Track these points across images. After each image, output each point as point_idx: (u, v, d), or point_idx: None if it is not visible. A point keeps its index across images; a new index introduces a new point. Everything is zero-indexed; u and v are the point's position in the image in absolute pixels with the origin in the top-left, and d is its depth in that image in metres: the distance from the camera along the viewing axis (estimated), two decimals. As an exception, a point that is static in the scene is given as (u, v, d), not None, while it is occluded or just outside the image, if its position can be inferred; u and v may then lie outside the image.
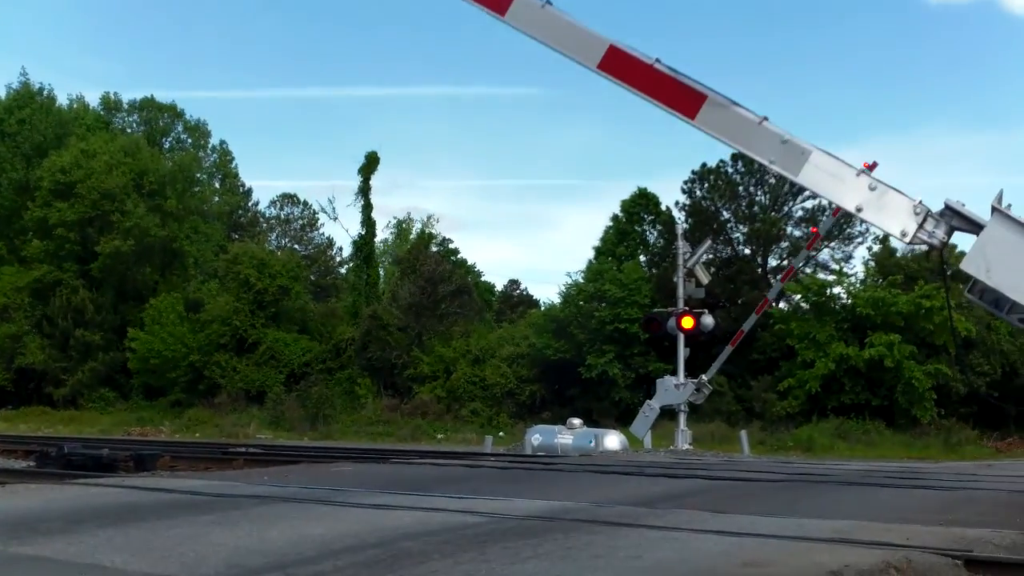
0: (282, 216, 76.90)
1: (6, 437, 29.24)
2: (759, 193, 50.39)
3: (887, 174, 9.56)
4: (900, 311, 41.48)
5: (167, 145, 71.25)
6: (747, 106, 10.05)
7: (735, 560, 5.56)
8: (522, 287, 71.69)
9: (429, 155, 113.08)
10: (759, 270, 49.31)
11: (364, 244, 57.71)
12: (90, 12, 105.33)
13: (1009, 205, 9.22)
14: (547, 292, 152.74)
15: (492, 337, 53.13)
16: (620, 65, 10.40)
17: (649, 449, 26.90)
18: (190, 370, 54.02)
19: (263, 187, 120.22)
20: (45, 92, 68.65)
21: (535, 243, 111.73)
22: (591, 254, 53.52)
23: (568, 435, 26.97)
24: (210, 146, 72.96)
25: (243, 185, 74.81)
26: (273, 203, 76.80)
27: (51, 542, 5.93)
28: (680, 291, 29.92)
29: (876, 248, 49.44)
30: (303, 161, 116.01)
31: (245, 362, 53.67)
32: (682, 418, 28.16)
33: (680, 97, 10.22)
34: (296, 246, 73.82)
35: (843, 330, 43.42)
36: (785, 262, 50.78)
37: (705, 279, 30.86)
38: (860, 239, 50.07)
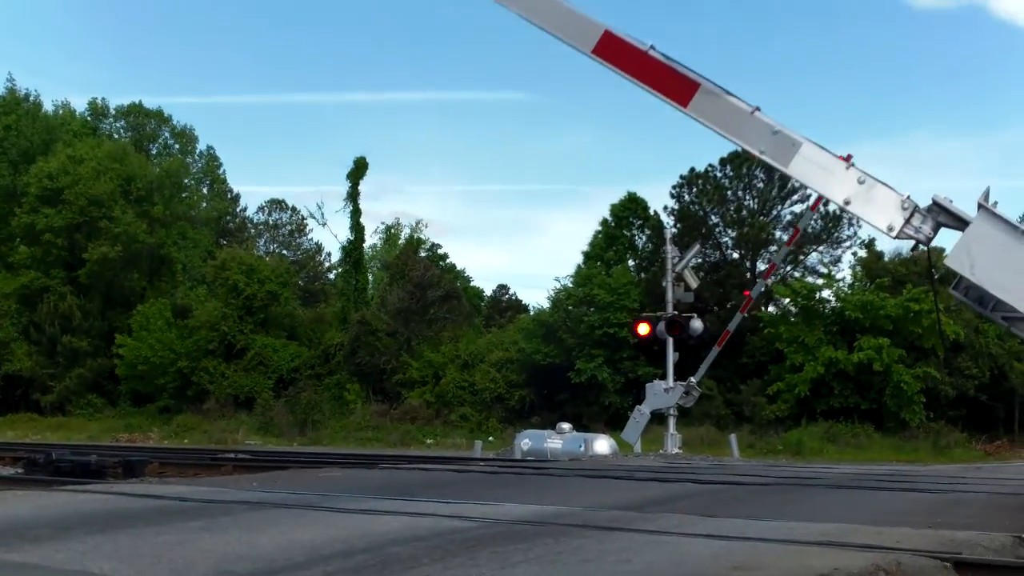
0: (270, 222, 76.90)
1: (-7, 444, 29.08)
2: (747, 198, 50.55)
3: (875, 178, 9.61)
4: (888, 314, 41.60)
5: (154, 151, 71.05)
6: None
7: (725, 564, 5.56)
8: (511, 292, 71.72)
9: (417, 160, 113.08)
10: (748, 274, 49.41)
11: (353, 249, 57.64)
12: (76, 18, 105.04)
13: (995, 203, 9.27)
14: (536, 297, 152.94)
15: (481, 342, 53.13)
16: (614, 51, 10.43)
17: (639, 453, 26.92)
18: (178, 376, 53.88)
19: (251, 193, 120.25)
20: (31, 98, 68.46)
21: (523, 248, 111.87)
22: (580, 259, 53.65)
23: (558, 440, 26.95)
24: (197, 152, 72.84)
25: (231, 191, 74.78)
26: (261, 209, 76.86)
27: (39, 549, 5.90)
28: (669, 295, 29.96)
29: (862, 253, 49.70)
30: (291, 167, 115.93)
31: (233, 368, 53.54)
32: (671, 422, 28.19)
33: (673, 85, 10.24)
34: (284, 252, 73.78)
35: (832, 333, 43.52)
36: (773, 265, 50.97)
37: (694, 283, 30.92)
38: (848, 243, 50.31)
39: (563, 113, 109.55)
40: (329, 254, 74.44)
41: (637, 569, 5.41)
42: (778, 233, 50.48)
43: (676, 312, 29.47)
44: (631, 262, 52.56)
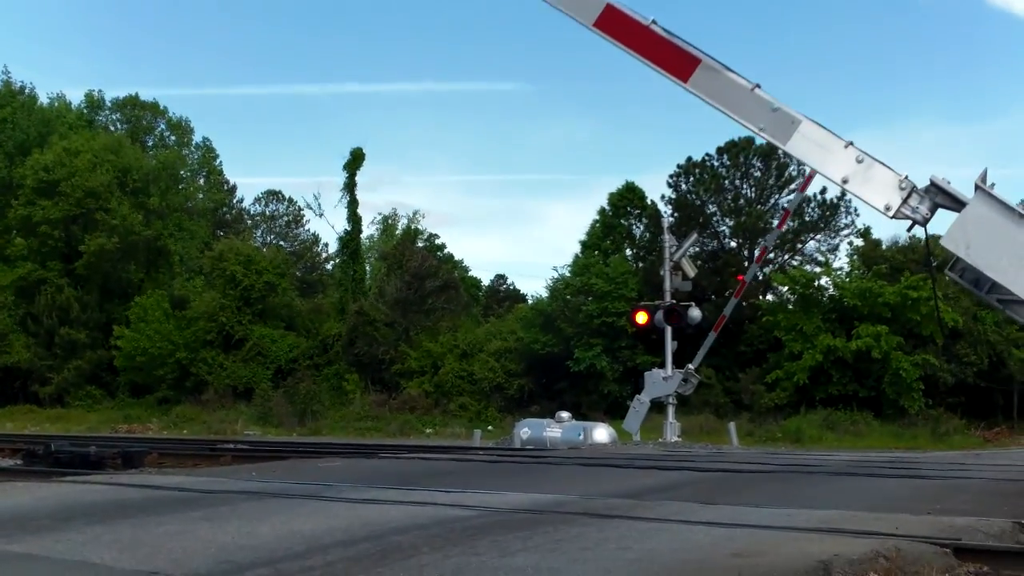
0: (267, 213, 76.77)
1: (-8, 436, 29.07)
2: (745, 186, 50.50)
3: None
4: (887, 302, 41.58)
5: (150, 143, 70.93)
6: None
7: (725, 551, 5.57)
8: (509, 282, 71.76)
9: (414, 151, 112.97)
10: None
11: (350, 240, 57.56)
12: (71, 10, 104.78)
13: (992, 184, 9.28)
14: (534, 286, 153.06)
15: (479, 332, 53.14)
16: (616, 24, 10.42)
17: (638, 442, 26.96)
18: (177, 367, 53.85)
19: (248, 184, 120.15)
20: (27, 91, 68.29)
21: (521, 238, 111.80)
22: (577, 248, 53.55)
23: (557, 428, 26.97)
24: (194, 143, 72.69)
25: (227, 182, 74.59)
26: (258, 200, 76.68)
27: (39, 540, 5.90)
28: (667, 284, 29.98)
29: (858, 242, 49.69)
30: (288, 158, 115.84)
31: (232, 359, 53.52)
32: (670, 410, 28.22)
33: (674, 60, 10.23)
34: (282, 243, 73.69)
35: (830, 321, 43.50)
36: (772, 255, 50.94)
37: (691, 272, 30.93)
38: (846, 231, 50.29)
39: (560, 103, 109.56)
40: (326, 245, 74.40)
41: (636, 556, 5.42)
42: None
43: (674, 301, 29.48)
44: (629, 251, 52.53)
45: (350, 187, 56.88)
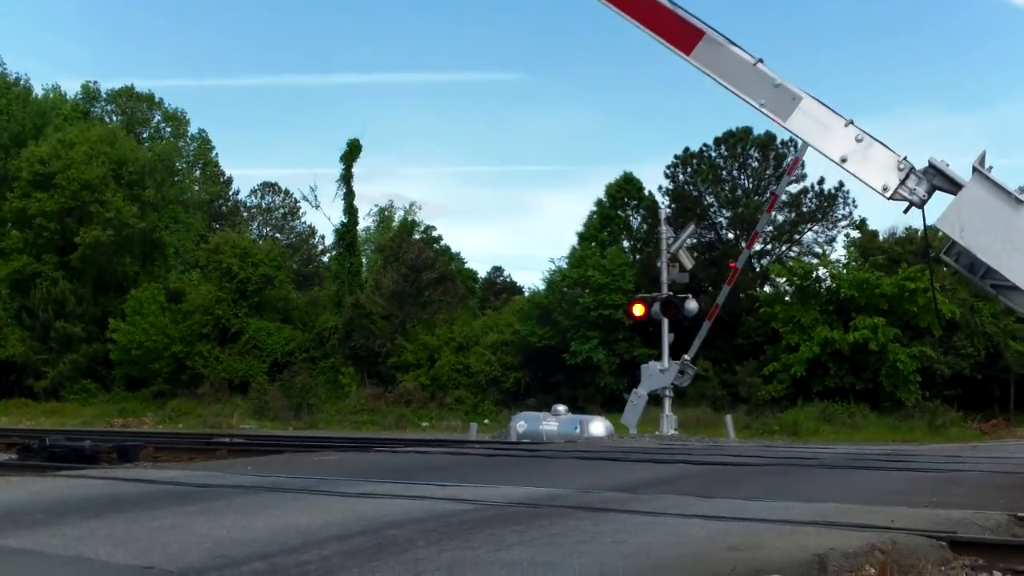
0: (263, 205, 76.68)
1: (-12, 430, 29.03)
2: (742, 177, 50.47)
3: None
4: (884, 293, 41.58)
5: (145, 135, 70.78)
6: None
7: (721, 544, 5.56)
8: (505, 274, 71.73)
9: (411, 142, 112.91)
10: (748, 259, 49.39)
11: (346, 232, 57.49)
12: (65, 2, 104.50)
13: (990, 167, 9.26)
14: (531, 279, 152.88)
15: (476, 324, 53.11)
16: None
17: (635, 435, 26.95)
18: (172, 361, 53.79)
19: (244, 176, 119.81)
20: (22, 82, 68.12)
21: (518, 229, 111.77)
22: (574, 240, 53.51)
23: (553, 422, 26.98)
24: (189, 135, 72.61)
25: (223, 174, 74.51)
26: (254, 192, 76.62)
27: (34, 534, 5.88)
28: (664, 276, 29.96)
29: (855, 234, 49.66)
30: (284, 149, 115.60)
31: (228, 352, 53.49)
32: (667, 403, 28.23)
33: (678, 30, 10.19)
34: (278, 235, 73.60)
35: (827, 313, 43.50)
36: (769, 246, 50.98)
37: (689, 264, 30.90)
38: (844, 222, 50.28)
39: (558, 93, 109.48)
40: (323, 237, 74.37)
41: (632, 550, 5.41)
42: (773, 213, 50.41)
43: (671, 293, 29.46)
44: (626, 243, 52.50)
45: (346, 179, 56.80)
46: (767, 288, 49.15)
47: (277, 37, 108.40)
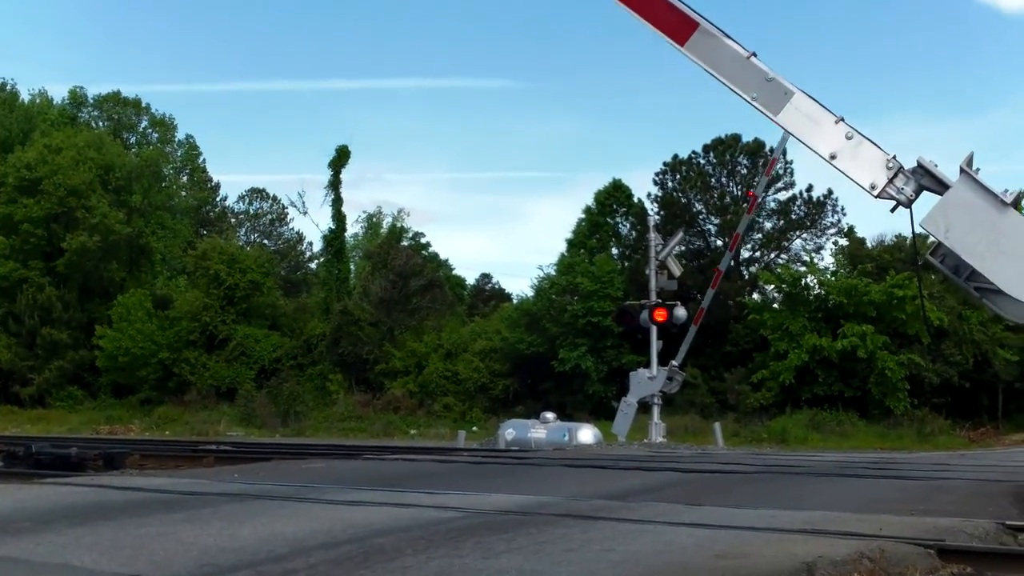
0: (251, 211, 76.49)
1: (-27, 437, 28.87)
2: (731, 184, 50.62)
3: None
4: (872, 300, 41.73)
5: (132, 140, 70.60)
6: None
7: (709, 552, 5.55)
8: (494, 281, 71.74)
9: (399, 148, 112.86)
10: (731, 261, 49.49)
11: (335, 239, 57.47)
12: (54, 5, 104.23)
13: (978, 169, 9.29)
14: (519, 286, 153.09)
15: (464, 331, 53.11)
16: None
17: (623, 443, 26.95)
18: (159, 367, 53.63)
19: (231, 182, 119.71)
20: (8, 87, 67.96)
21: (506, 236, 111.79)
22: (563, 247, 53.63)
23: (542, 429, 26.97)
24: (177, 140, 72.47)
25: (211, 180, 74.33)
26: (242, 198, 76.41)
27: (19, 542, 5.84)
28: (652, 283, 29.97)
29: (843, 242, 49.88)
30: (272, 155, 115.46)
31: (215, 359, 53.37)
32: (656, 411, 28.23)
33: (672, 21, 10.19)
34: (265, 241, 73.45)
35: (816, 320, 43.62)
36: (758, 253, 51.11)
37: (677, 271, 30.92)
38: (832, 230, 50.49)
39: (547, 100, 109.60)
40: (311, 243, 74.23)
41: (620, 558, 5.39)
42: (761, 220, 50.61)
43: (660, 300, 29.48)
44: (615, 250, 52.61)
45: (335, 185, 56.84)
46: (756, 296, 49.28)
47: (265, 43, 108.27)
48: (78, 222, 56.14)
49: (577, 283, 47.19)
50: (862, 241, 49.46)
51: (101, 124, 69.83)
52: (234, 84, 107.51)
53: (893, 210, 9.77)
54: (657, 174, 51.27)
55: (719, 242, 51.05)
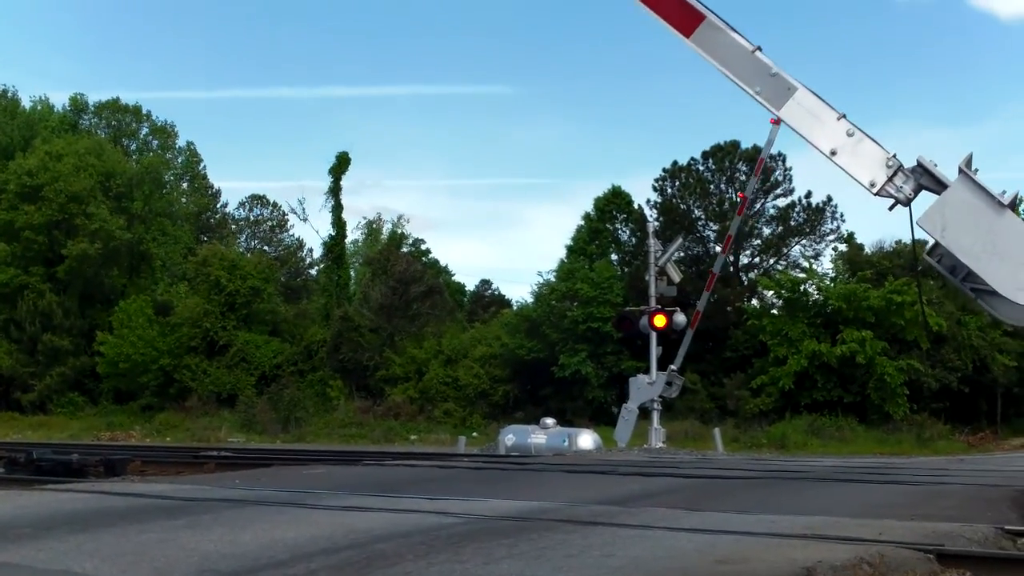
0: (251, 217, 76.51)
1: (-26, 443, 28.86)
2: (730, 191, 50.62)
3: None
4: (871, 306, 41.74)
5: (133, 147, 70.66)
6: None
7: (709, 557, 5.56)
8: (494, 287, 71.65)
9: (399, 155, 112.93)
10: (731, 268, 49.52)
11: (335, 245, 57.49)
12: (54, 13, 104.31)
13: (976, 170, 9.30)
14: (519, 292, 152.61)
15: (464, 337, 53.10)
16: None
17: (623, 448, 26.93)
18: (160, 374, 53.63)
19: (232, 188, 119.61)
20: (9, 94, 68.02)
21: (506, 242, 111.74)
22: (563, 253, 53.59)
23: (542, 435, 26.95)
24: (177, 147, 72.50)
25: (211, 187, 74.37)
26: (242, 204, 76.41)
27: (20, 548, 5.85)
28: (652, 289, 29.95)
29: (843, 247, 49.90)
30: (272, 162, 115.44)
31: (216, 365, 53.35)
32: (655, 416, 28.20)
33: (679, 11, 10.23)
34: (266, 248, 73.43)
35: (815, 326, 43.63)
36: (757, 259, 51.12)
37: (677, 277, 30.90)
38: (831, 236, 50.52)
39: (547, 106, 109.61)
40: (311, 250, 74.22)
41: (621, 563, 5.41)
42: (760, 226, 50.67)
43: (659, 306, 29.47)
44: (614, 256, 52.61)
45: (335, 191, 56.88)
46: (755, 301, 49.27)
47: (265, 50, 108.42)
48: (79, 229, 56.18)
49: (577, 289, 47.19)
50: (861, 247, 49.49)
51: (102, 131, 69.86)
52: (234, 91, 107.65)
53: (891, 208, 9.79)
54: (656, 180, 51.34)
55: (718, 248, 51.03)
